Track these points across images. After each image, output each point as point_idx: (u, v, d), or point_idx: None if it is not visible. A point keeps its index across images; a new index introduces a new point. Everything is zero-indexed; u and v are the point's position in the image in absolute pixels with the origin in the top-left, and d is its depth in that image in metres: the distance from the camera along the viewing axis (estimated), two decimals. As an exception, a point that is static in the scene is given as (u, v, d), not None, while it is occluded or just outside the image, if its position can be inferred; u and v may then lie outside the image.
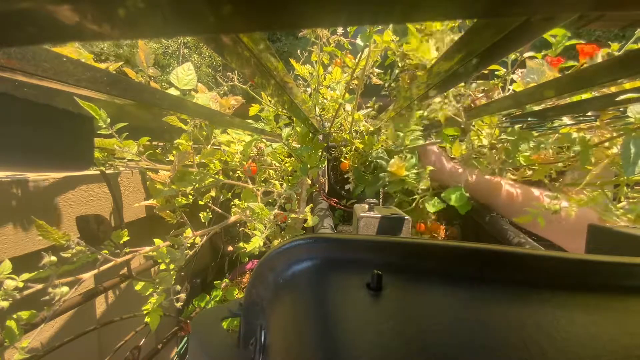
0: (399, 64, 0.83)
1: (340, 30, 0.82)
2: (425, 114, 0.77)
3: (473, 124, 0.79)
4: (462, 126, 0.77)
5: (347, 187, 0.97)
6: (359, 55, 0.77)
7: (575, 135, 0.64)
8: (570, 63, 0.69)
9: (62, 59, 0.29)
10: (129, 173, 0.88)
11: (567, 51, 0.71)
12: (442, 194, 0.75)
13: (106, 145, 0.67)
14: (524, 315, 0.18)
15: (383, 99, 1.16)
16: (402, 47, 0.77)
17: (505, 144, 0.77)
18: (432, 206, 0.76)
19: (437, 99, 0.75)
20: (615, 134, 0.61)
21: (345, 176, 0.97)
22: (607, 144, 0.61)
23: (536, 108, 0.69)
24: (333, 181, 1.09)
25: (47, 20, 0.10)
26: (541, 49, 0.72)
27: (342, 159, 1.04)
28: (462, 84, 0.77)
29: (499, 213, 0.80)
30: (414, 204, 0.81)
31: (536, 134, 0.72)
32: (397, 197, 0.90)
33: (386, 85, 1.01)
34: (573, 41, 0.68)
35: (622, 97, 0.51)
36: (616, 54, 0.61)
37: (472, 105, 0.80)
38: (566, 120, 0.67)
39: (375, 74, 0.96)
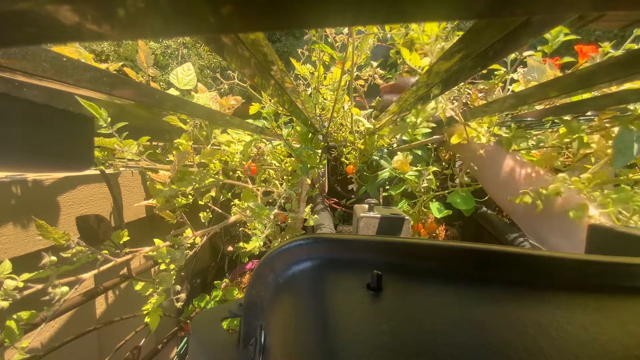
0: (401, 65, 0.84)
1: (345, 30, 0.81)
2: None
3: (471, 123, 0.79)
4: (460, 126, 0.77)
5: (349, 187, 0.97)
6: (344, 52, 0.77)
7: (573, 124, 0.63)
8: (567, 59, 0.69)
9: (62, 59, 0.29)
10: (129, 173, 0.88)
11: (567, 49, 0.71)
12: (447, 199, 0.74)
13: (106, 145, 0.67)
14: (524, 315, 0.18)
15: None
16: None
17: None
18: (438, 211, 0.75)
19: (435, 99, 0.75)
20: (612, 125, 0.60)
21: (348, 176, 0.97)
22: (604, 141, 0.61)
23: (535, 108, 0.69)
24: (333, 181, 1.09)
25: (47, 21, 0.10)
26: (537, 47, 0.72)
27: (343, 159, 1.04)
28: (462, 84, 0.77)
29: (488, 187, 0.72)
30: (416, 207, 0.81)
31: (535, 133, 0.72)
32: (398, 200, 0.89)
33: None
34: (571, 36, 0.68)
35: (623, 87, 0.50)
36: (611, 52, 0.61)
37: (468, 104, 0.80)
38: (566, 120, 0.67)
39: (379, 74, 0.96)
